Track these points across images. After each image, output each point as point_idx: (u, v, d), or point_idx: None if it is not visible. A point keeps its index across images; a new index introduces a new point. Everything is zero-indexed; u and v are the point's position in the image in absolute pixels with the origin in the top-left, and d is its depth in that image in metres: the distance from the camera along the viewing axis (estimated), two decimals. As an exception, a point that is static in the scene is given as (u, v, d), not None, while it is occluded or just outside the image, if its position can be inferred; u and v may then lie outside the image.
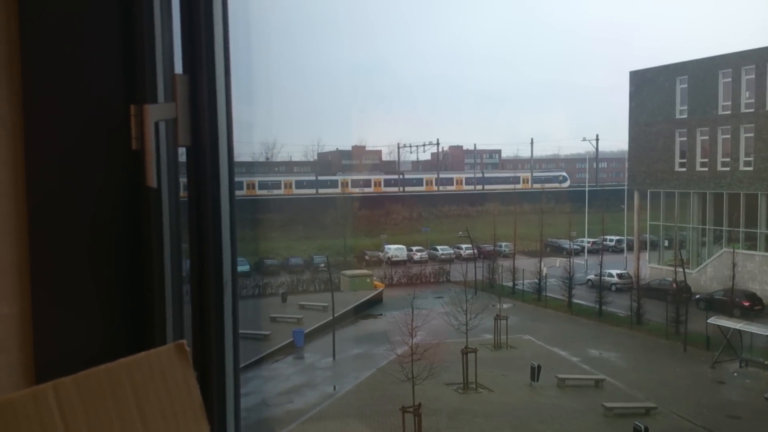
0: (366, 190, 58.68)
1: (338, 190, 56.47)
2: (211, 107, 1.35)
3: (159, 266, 1.67)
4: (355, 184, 59.47)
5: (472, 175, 67.08)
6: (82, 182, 1.62)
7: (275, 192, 52.70)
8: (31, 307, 1.59)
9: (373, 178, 61.45)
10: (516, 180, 66.46)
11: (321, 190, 55.52)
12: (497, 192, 60.83)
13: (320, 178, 57.95)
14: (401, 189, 60.93)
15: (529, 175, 67.77)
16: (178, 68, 1.56)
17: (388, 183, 61.36)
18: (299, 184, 56.13)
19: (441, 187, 63.45)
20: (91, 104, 1.63)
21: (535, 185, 65.61)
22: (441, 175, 65.79)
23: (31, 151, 1.57)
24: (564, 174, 69.73)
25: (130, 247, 1.68)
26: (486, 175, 67.06)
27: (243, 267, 37.61)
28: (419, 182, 63.34)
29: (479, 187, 64.76)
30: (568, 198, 58.16)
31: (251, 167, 58.44)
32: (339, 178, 59.39)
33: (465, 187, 64.60)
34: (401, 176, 63.09)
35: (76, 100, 1.62)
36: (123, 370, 1.12)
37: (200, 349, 1.38)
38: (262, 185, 51.00)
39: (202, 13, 1.33)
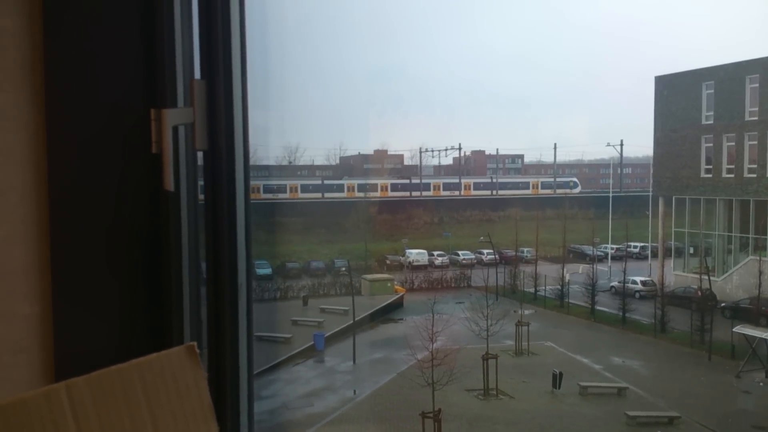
0: (371, 194, 58.17)
1: (344, 194, 56.04)
2: (227, 112, 1.37)
3: (177, 268, 1.69)
4: (361, 188, 58.93)
5: (480, 181, 66.39)
6: (103, 184, 1.65)
7: (280, 196, 52.03)
8: (51, 307, 1.62)
9: (379, 182, 60.99)
10: (525, 185, 65.74)
11: (327, 195, 55.14)
12: (518, 197, 60.40)
13: (326, 182, 57.59)
14: (410, 194, 60.44)
15: (539, 180, 67.05)
16: (199, 73, 1.59)
17: (394, 188, 60.85)
18: (305, 188, 55.69)
19: (448, 192, 62.88)
20: (113, 108, 1.66)
21: (544, 191, 64.89)
22: (448, 180, 65.18)
23: (53, 153, 1.60)
24: (575, 180, 68.80)
25: (149, 249, 1.70)
26: (494, 180, 66.25)
27: (265, 270, 37.88)
28: (426, 187, 62.74)
29: (487, 192, 64.10)
30: (591, 204, 57.64)
31: (273, 171, 58.71)
32: (345, 182, 58.95)
33: (473, 193, 63.99)
34: (409, 181, 62.60)
35: (97, 103, 1.65)
36: (134, 371, 1.13)
37: (215, 350, 1.39)
38: (267, 189, 50.38)
39: (220, 20, 1.35)
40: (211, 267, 1.42)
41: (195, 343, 1.18)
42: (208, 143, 1.40)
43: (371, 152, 70.68)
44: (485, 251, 45.71)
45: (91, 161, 1.68)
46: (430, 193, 62.01)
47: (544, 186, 66.04)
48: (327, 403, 22.79)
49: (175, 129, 1.57)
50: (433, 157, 71.27)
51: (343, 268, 39.82)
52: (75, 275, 1.66)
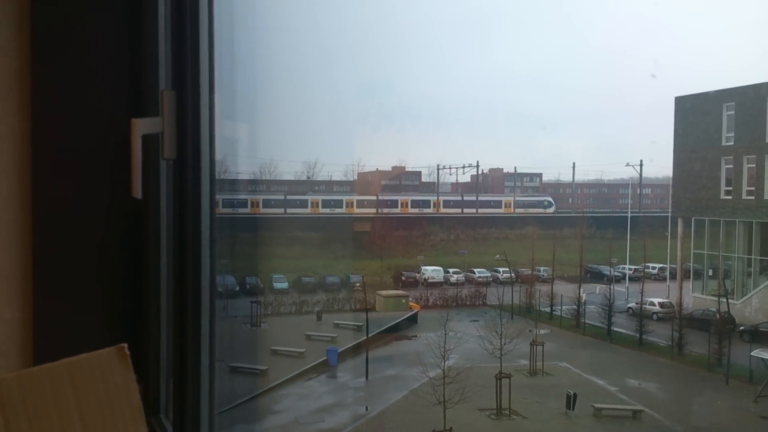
0: (337, 210, 56.91)
1: (308, 210, 54.93)
2: (194, 122, 1.40)
3: (155, 274, 1.73)
4: (326, 204, 57.61)
5: (450, 198, 65.12)
6: (85, 193, 1.70)
7: (241, 211, 49.99)
8: (32, 312, 1.65)
9: (345, 198, 59.88)
10: (498, 204, 64.79)
11: (289, 210, 53.93)
12: (533, 216, 59.94)
13: (289, 197, 56.27)
14: (377, 210, 59.21)
15: (511, 199, 66.08)
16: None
17: (360, 204, 59.61)
18: (266, 203, 54.23)
19: (417, 210, 61.73)
20: (97, 118, 1.70)
21: (518, 210, 64.05)
22: (417, 198, 63.99)
23: (38, 162, 1.65)
24: (549, 199, 67.53)
25: (130, 255, 1.74)
26: (465, 198, 64.92)
27: (282, 284, 38.35)
28: (394, 204, 61.46)
29: (457, 210, 63.12)
30: (610, 223, 57.15)
31: (293, 186, 58.64)
32: (309, 198, 57.88)
33: (443, 210, 62.89)
34: (376, 197, 61.37)
35: (82, 114, 1.70)
36: (64, 371, 1.15)
37: (179, 353, 1.42)
38: (226, 203, 48.81)
39: (189, 33, 1.38)
40: (176, 273, 1.45)
41: (126, 345, 1.21)
42: (175, 152, 1.43)
43: (389, 168, 70.56)
44: (501, 269, 45.47)
45: (75, 170, 1.71)
46: (398, 210, 60.66)
47: (518, 205, 65.08)
48: (338, 419, 22.70)
49: (155, 137, 1.60)
50: (450, 174, 71.01)
51: (358, 284, 39.79)
52: (56, 281, 1.69)
